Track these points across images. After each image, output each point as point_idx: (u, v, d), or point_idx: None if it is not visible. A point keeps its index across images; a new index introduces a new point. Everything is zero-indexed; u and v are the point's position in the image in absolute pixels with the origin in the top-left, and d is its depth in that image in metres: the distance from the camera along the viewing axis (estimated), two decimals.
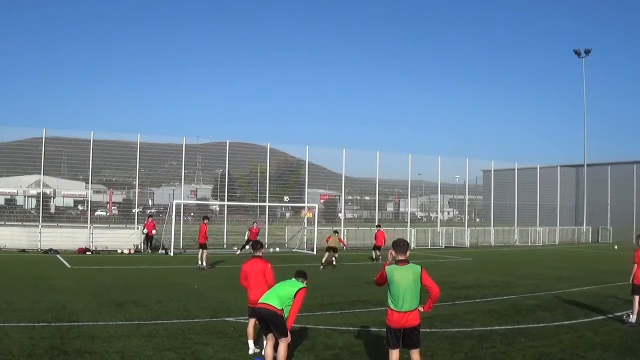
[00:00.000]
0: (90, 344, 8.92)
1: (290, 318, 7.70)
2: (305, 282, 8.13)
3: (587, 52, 46.66)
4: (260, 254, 9.02)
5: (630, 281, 11.73)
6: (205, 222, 22.72)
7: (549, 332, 10.58)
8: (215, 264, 22.48)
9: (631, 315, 11.41)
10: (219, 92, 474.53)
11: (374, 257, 25.64)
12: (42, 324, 10.33)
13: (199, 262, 21.44)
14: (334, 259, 23.17)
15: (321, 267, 22.07)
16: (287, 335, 7.59)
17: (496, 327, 10.94)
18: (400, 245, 7.01)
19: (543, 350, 9.17)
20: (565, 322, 11.57)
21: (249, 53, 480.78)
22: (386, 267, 6.98)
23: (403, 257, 6.93)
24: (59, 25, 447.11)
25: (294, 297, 7.75)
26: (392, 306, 6.81)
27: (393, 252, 7.03)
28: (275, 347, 7.67)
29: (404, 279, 6.78)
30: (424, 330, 10.52)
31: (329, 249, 23.31)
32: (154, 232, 28.29)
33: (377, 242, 25.90)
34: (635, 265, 11.67)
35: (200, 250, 21.85)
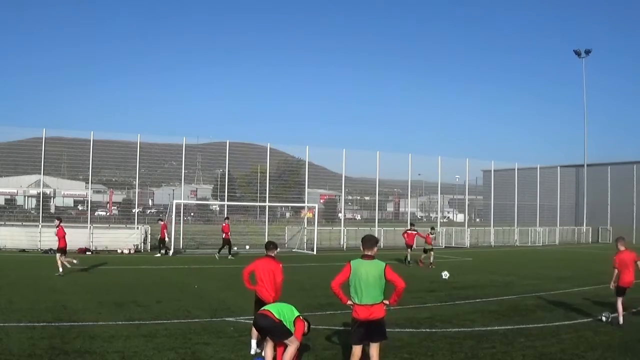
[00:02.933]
0: (90, 344, 8.92)
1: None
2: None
3: (587, 52, 46.65)
4: (273, 254, 8.97)
5: (613, 286, 11.64)
6: (59, 223, 19.07)
7: (549, 332, 10.58)
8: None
9: (619, 317, 11.37)
10: (219, 92, 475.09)
11: (408, 258, 24.80)
12: (42, 324, 10.34)
13: (61, 270, 18.05)
14: (425, 256, 24.26)
15: (430, 266, 23.48)
16: (291, 336, 7.52)
17: (496, 328, 10.94)
18: (368, 240, 7.20)
19: (543, 350, 9.17)
20: (565, 322, 11.58)
21: (249, 53, 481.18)
22: (352, 261, 7.11)
23: (370, 252, 7.09)
24: (59, 25, 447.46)
25: (294, 325, 7.60)
26: (355, 300, 6.95)
27: (361, 247, 7.24)
28: (276, 348, 7.67)
29: (367, 273, 6.91)
30: (424, 330, 10.57)
31: (426, 250, 24.41)
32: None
33: (408, 240, 25.12)
34: (616, 270, 11.59)
35: (58, 254, 18.49)
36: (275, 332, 7.50)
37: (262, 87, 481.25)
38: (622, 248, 11.83)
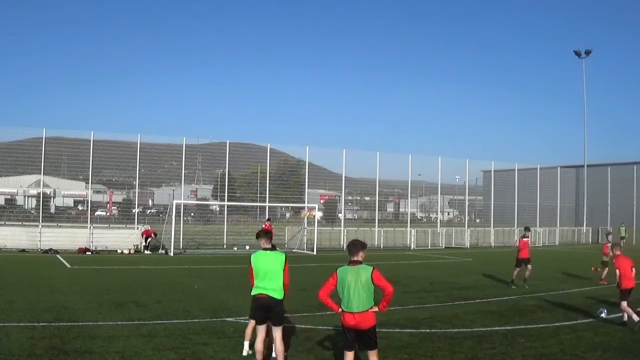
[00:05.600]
0: (90, 344, 8.92)
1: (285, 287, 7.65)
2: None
3: (588, 52, 46.65)
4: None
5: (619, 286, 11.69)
6: None
7: (549, 333, 10.58)
8: None
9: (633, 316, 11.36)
10: (219, 92, 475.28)
11: (513, 277, 17.53)
12: (42, 324, 10.33)
13: None
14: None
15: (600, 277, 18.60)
16: (282, 324, 7.56)
17: (496, 328, 10.95)
18: (354, 245, 6.96)
19: (543, 350, 9.18)
20: (565, 323, 11.58)
21: (249, 53, 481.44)
22: (338, 269, 6.90)
23: (356, 258, 6.85)
24: (59, 25, 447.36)
25: (283, 271, 7.59)
26: (342, 307, 6.78)
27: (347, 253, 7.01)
28: (267, 343, 7.65)
29: (354, 280, 6.69)
30: (424, 330, 10.57)
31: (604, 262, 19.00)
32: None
33: (521, 253, 17.82)
34: (617, 270, 11.73)
35: None
36: (279, 311, 7.50)
37: (262, 87, 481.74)
38: (618, 252, 12.03)
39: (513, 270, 17.72)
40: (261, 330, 7.62)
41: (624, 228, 41.38)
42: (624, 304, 11.39)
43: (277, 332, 7.47)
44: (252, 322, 8.40)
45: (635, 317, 11.10)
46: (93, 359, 8.16)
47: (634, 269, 11.74)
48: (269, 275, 7.50)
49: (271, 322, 7.54)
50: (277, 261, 7.61)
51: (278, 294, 7.51)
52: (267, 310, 7.48)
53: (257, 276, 7.57)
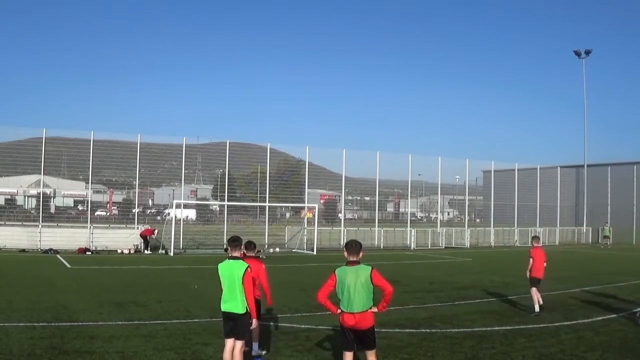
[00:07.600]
0: (90, 344, 8.92)
1: (252, 309, 7.28)
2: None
3: (587, 52, 46.66)
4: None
5: (528, 275, 13.23)
6: None
7: (549, 333, 10.58)
8: None
9: (535, 306, 12.57)
10: (219, 92, 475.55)
11: None
12: (42, 324, 10.34)
13: None
14: None
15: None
16: (244, 338, 7.28)
17: (496, 328, 10.95)
18: (353, 246, 6.89)
19: (543, 350, 9.17)
20: (565, 323, 11.57)
21: (249, 53, 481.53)
22: (336, 270, 6.84)
23: (355, 258, 6.78)
24: (59, 26, 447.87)
25: (243, 282, 7.15)
26: (342, 307, 6.74)
27: (345, 253, 6.90)
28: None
29: (354, 280, 6.65)
30: (424, 330, 10.57)
31: None
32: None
33: None
34: (531, 259, 13.41)
35: None
36: (243, 325, 7.18)
37: (262, 87, 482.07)
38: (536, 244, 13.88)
39: None
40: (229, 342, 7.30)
41: (607, 227, 42.39)
42: (534, 289, 12.76)
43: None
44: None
45: (537, 307, 12.45)
46: (93, 359, 8.16)
47: (545, 263, 13.29)
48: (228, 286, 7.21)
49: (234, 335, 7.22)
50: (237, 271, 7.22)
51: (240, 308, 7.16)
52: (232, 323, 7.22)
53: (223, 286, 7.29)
